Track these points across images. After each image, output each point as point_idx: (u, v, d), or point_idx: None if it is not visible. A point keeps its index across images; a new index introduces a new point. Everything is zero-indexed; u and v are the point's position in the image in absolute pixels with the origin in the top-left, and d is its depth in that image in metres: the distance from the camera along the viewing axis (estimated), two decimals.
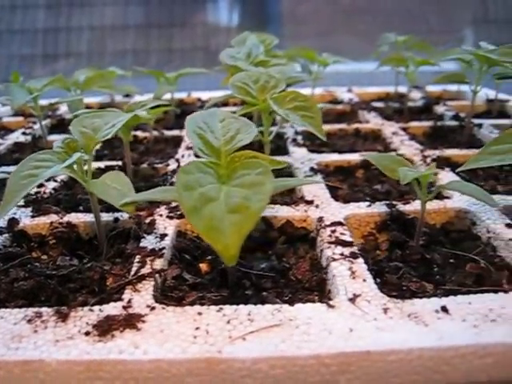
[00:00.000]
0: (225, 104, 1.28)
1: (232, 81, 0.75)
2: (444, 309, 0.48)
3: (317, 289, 0.56)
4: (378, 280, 0.58)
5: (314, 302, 0.51)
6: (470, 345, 0.44)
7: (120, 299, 0.52)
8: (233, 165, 0.51)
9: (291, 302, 0.51)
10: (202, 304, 0.52)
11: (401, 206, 0.69)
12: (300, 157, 0.88)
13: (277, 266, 0.59)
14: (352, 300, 0.50)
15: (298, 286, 0.57)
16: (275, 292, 0.56)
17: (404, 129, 1.05)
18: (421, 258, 0.61)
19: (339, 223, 0.64)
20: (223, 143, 0.54)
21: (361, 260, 0.56)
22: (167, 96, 1.15)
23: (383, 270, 0.58)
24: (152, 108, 0.89)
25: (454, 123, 1.09)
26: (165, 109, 0.89)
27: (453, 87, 1.37)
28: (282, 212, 0.68)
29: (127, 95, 1.32)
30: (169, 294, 0.55)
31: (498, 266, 0.60)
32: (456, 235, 0.67)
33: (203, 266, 0.61)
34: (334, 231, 0.62)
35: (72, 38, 3.03)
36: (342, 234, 0.62)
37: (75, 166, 0.59)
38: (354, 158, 0.87)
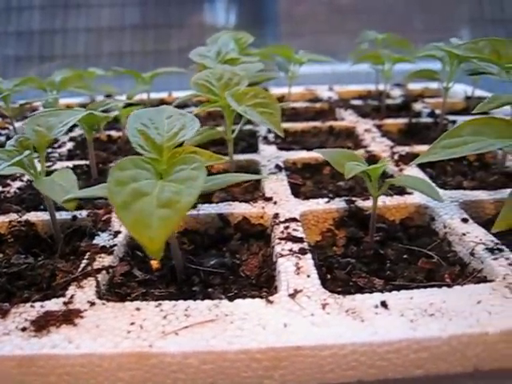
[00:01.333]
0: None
1: (195, 79, 0.75)
2: (383, 304, 0.48)
3: (265, 285, 0.56)
4: (329, 276, 0.57)
5: (258, 297, 0.50)
6: (403, 339, 0.44)
7: (63, 295, 0.52)
8: (172, 160, 0.51)
9: (234, 298, 0.50)
10: (146, 300, 0.52)
11: (360, 202, 0.68)
12: (268, 154, 0.88)
13: (227, 263, 0.59)
14: (292, 295, 0.49)
15: (246, 282, 0.56)
16: (222, 288, 0.55)
17: (379, 126, 1.04)
18: (374, 254, 0.60)
19: (294, 219, 0.64)
20: (166, 139, 0.53)
21: (309, 256, 0.56)
22: (144, 96, 1.15)
23: (333, 265, 0.58)
24: (125, 107, 0.89)
25: (429, 120, 1.08)
26: (133, 108, 0.89)
27: (434, 85, 1.36)
28: (240, 209, 0.67)
29: (108, 95, 1.32)
30: (115, 291, 0.55)
31: (451, 261, 0.59)
32: (414, 231, 0.66)
33: (154, 263, 0.60)
34: (287, 227, 0.62)
35: (68, 39, 3.03)
36: (294, 230, 0.61)
37: (27, 164, 0.59)
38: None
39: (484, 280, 0.54)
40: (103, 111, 0.78)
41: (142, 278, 0.58)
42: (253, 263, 0.58)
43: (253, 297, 0.51)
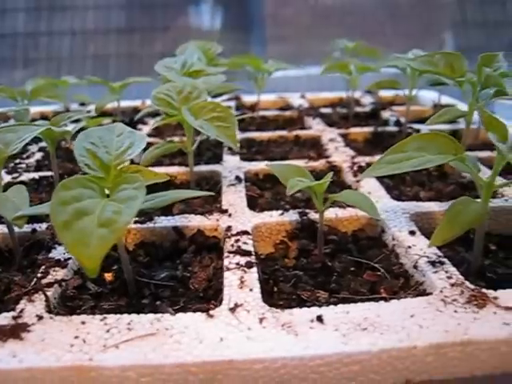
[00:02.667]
0: None
1: (155, 92, 0.76)
2: (319, 319, 0.49)
3: (213, 298, 0.57)
4: (276, 289, 0.59)
5: (202, 311, 0.52)
6: (334, 353, 0.45)
7: (14, 309, 0.53)
8: (117, 179, 0.52)
9: (179, 311, 0.52)
10: (94, 313, 0.53)
11: (313, 215, 0.70)
12: (231, 165, 0.89)
13: (177, 275, 0.60)
14: (232, 309, 0.51)
15: (194, 295, 0.58)
16: (170, 301, 0.57)
17: (344, 135, 1.06)
18: (322, 267, 0.62)
19: (245, 232, 0.65)
20: (114, 158, 0.55)
21: (254, 269, 0.57)
22: (114, 105, 1.16)
23: (278, 278, 0.59)
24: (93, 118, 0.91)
25: (394, 129, 1.10)
26: (101, 119, 0.91)
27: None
28: (195, 221, 0.69)
29: (83, 104, 1.33)
30: (67, 304, 0.57)
31: (396, 273, 0.61)
32: (365, 243, 0.68)
33: (108, 276, 0.62)
34: (237, 240, 0.63)
35: (53, 42, 3.04)
36: (244, 243, 0.63)
37: None
38: None
39: (423, 293, 0.55)
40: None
41: (94, 291, 0.59)
42: (201, 276, 0.59)
43: (198, 310, 0.53)
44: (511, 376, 0.50)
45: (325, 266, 0.62)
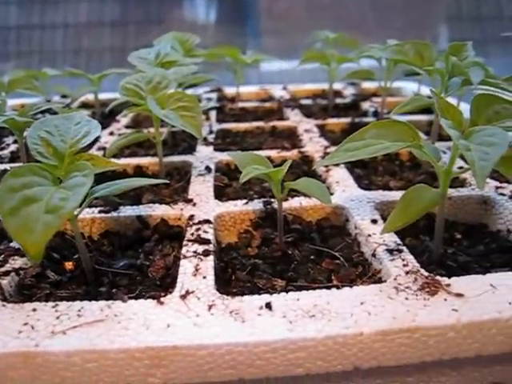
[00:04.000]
0: None
1: (123, 82, 0.76)
2: (268, 305, 0.49)
3: (170, 286, 0.57)
4: (233, 277, 0.59)
5: (155, 298, 0.52)
6: (279, 340, 0.45)
7: None
8: (70, 167, 0.52)
9: (135, 299, 0.52)
10: (48, 301, 0.53)
11: (277, 204, 0.70)
12: (203, 156, 0.89)
13: (136, 264, 0.60)
14: (183, 296, 0.51)
15: (151, 283, 0.58)
16: (127, 289, 0.57)
17: (321, 126, 1.06)
18: (282, 255, 0.62)
19: (207, 221, 0.65)
20: (69, 146, 0.55)
21: (211, 258, 0.57)
22: (91, 97, 1.16)
23: (235, 267, 0.59)
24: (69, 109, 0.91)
25: (371, 120, 1.10)
26: (76, 110, 0.90)
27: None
28: (159, 211, 0.69)
29: (64, 96, 1.33)
30: (24, 292, 0.57)
31: (355, 261, 0.61)
32: (329, 231, 0.68)
33: (68, 264, 0.62)
34: (198, 229, 0.63)
35: (46, 34, 3.03)
36: (204, 231, 0.63)
37: None
38: None
39: (379, 281, 0.55)
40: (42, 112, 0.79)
41: (53, 280, 0.59)
42: (159, 264, 0.59)
43: (152, 297, 0.52)
44: (461, 361, 0.50)
45: (285, 254, 0.62)
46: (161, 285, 0.57)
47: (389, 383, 0.52)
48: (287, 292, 0.51)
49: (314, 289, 0.52)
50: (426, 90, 1.24)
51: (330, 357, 0.46)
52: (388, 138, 0.57)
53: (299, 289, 0.53)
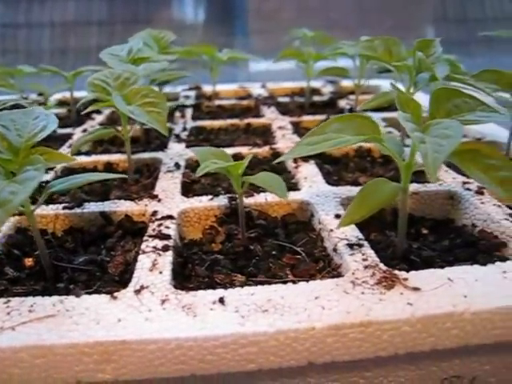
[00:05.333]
0: None
1: (91, 78, 0.75)
2: (221, 300, 0.49)
3: (129, 281, 0.56)
4: (193, 272, 0.58)
5: (109, 293, 0.51)
6: (229, 334, 0.45)
7: None
8: (23, 161, 0.52)
9: (93, 294, 0.51)
10: (1, 297, 0.52)
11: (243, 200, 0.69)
12: (174, 152, 0.89)
13: (96, 260, 0.60)
14: (137, 291, 0.50)
15: (110, 278, 0.57)
16: (85, 285, 0.56)
17: (297, 123, 1.05)
18: (244, 251, 0.61)
19: (170, 217, 0.65)
20: (25, 140, 0.54)
21: (169, 253, 0.57)
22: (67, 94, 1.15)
23: (195, 262, 0.59)
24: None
25: None
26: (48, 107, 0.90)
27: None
28: (123, 207, 0.68)
29: (41, 94, 1.32)
30: None
31: (317, 256, 0.60)
32: (294, 227, 0.68)
33: (28, 261, 0.61)
34: (160, 225, 0.63)
35: (33, 33, 3.02)
36: (166, 227, 0.62)
37: None
38: (227, 152, 0.87)
39: (338, 276, 0.55)
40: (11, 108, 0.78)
41: (12, 276, 0.58)
42: (119, 260, 0.58)
43: (109, 293, 0.52)
44: (418, 356, 0.49)
45: (247, 250, 0.61)
46: (119, 280, 0.57)
47: (346, 378, 0.51)
48: (242, 287, 0.51)
49: (270, 284, 0.52)
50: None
51: (282, 352, 0.46)
52: (348, 131, 0.56)
53: (258, 284, 0.53)
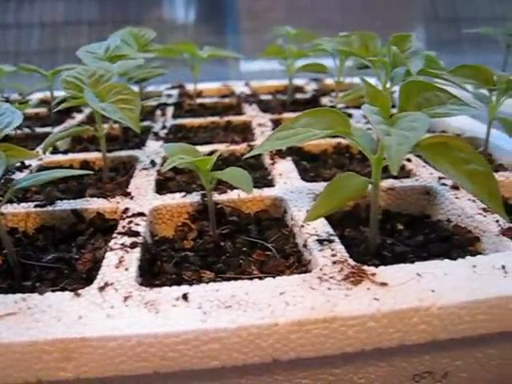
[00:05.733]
0: None
1: (65, 76, 0.75)
2: (184, 296, 0.48)
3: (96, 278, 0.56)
4: (162, 270, 0.58)
5: (73, 290, 0.50)
6: (190, 331, 0.44)
7: None
8: None
9: (55, 291, 0.51)
10: None
11: (216, 196, 0.69)
12: (151, 150, 0.88)
13: (65, 258, 0.59)
14: (101, 288, 0.50)
15: (78, 276, 0.57)
16: (52, 283, 0.56)
17: (277, 120, 1.05)
18: (214, 247, 0.61)
19: (141, 214, 0.64)
20: None
21: (137, 250, 0.56)
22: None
23: (164, 259, 0.58)
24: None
25: None
26: (26, 105, 0.89)
27: (348, 79, 1.37)
28: (95, 204, 0.68)
29: (21, 94, 1.31)
30: None
31: (287, 252, 0.60)
32: (267, 223, 0.67)
33: None
34: (130, 222, 0.62)
35: (23, 33, 3.01)
36: (136, 224, 0.62)
37: None
38: (204, 149, 0.87)
39: (306, 271, 0.54)
40: None
41: None
42: (87, 257, 0.58)
43: (74, 290, 0.51)
44: (388, 352, 0.49)
45: (217, 246, 0.61)
46: (87, 278, 0.56)
47: (315, 375, 0.51)
48: (207, 283, 0.50)
49: (236, 279, 0.51)
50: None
51: (245, 348, 0.45)
52: (317, 126, 0.56)
53: (228, 280, 0.52)
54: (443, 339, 0.49)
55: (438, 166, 0.51)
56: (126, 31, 1.04)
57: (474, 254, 0.58)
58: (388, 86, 0.77)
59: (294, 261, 0.58)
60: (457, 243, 0.62)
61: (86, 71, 0.76)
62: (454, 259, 0.54)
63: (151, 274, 0.57)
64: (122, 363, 0.45)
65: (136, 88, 1.19)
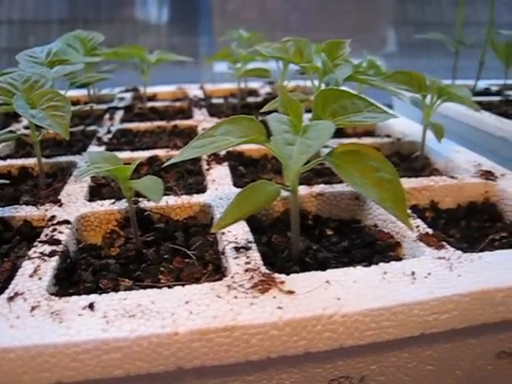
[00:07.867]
0: None
1: None
2: (91, 306, 0.48)
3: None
4: (80, 278, 0.58)
5: None
6: (89, 340, 0.45)
7: None
8: None
9: None
10: None
11: (144, 203, 0.69)
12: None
13: None
14: (10, 298, 0.50)
15: None
16: None
17: None
18: (136, 255, 0.61)
19: (66, 221, 0.64)
20: None
21: (55, 258, 0.56)
22: None
23: (82, 267, 0.59)
24: None
25: None
26: None
27: (307, 82, 1.38)
28: (23, 212, 0.68)
29: None
30: None
31: (207, 260, 0.60)
32: (194, 230, 0.68)
33: None
34: (54, 230, 0.62)
35: None
36: (60, 232, 0.62)
37: None
38: (144, 154, 0.87)
39: (220, 279, 0.55)
40: None
41: None
42: (5, 267, 0.58)
43: None
44: (296, 359, 0.50)
45: (140, 254, 0.61)
46: (2, 287, 0.56)
47: (227, 383, 0.51)
48: (117, 292, 0.51)
49: (152, 287, 0.52)
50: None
51: (148, 357, 0.46)
52: (235, 134, 0.56)
53: (144, 288, 0.53)
54: (351, 345, 0.50)
55: (346, 177, 0.52)
56: (73, 34, 1.03)
57: (396, 259, 0.58)
58: None
59: (212, 268, 0.59)
60: (379, 249, 0.63)
61: (21, 76, 0.76)
62: (376, 264, 0.55)
63: (69, 282, 0.57)
64: (24, 374, 0.45)
65: (85, 92, 1.19)
